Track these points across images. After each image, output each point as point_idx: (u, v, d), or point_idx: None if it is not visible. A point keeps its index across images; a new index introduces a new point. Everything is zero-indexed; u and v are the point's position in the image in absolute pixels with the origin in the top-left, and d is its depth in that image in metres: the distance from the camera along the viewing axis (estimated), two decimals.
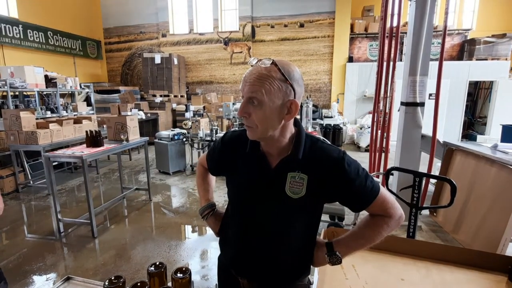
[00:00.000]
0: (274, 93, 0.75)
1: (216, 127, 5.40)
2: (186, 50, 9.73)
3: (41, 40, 7.55)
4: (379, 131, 3.37)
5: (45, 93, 5.75)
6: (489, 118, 7.90)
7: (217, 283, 1.02)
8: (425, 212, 3.46)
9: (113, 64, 10.48)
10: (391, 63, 3.08)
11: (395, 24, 3.08)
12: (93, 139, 3.31)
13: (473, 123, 8.59)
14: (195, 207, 4.02)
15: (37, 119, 4.57)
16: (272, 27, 9.23)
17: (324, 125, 7.75)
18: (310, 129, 5.39)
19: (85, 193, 3.11)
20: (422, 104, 2.97)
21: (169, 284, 0.81)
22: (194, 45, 9.69)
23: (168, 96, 8.75)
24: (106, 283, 0.73)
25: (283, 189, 0.83)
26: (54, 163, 5.10)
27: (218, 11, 9.41)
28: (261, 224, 0.88)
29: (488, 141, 3.27)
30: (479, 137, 7.71)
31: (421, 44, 2.77)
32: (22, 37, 6.97)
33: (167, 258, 2.78)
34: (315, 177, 0.83)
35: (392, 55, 3.06)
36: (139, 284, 0.72)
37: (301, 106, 5.44)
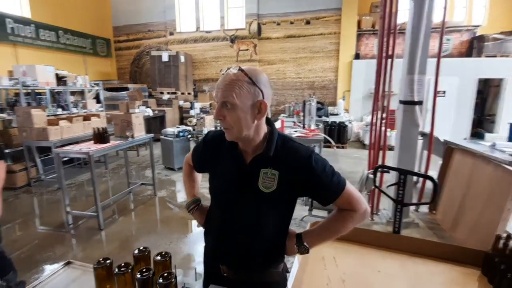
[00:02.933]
0: (244, 95, 0.84)
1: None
2: (193, 48, 9.86)
3: (52, 39, 7.79)
4: (378, 129, 3.40)
5: (56, 90, 5.96)
6: (498, 116, 7.74)
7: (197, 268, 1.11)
8: (424, 209, 3.48)
9: (122, 62, 10.70)
10: (390, 61, 3.09)
11: (397, 22, 3.09)
12: (100, 136, 3.45)
13: (482, 121, 8.42)
14: None
15: (48, 116, 4.76)
16: (278, 24, 9.24)
17: (329, 122, 7.74)
18: (313, 127, 5.42)
19: (91, 188, 3.26)
20: (420, 103, 2.98)
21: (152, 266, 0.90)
22: (201, 43, 9.80)
23: (175, 93, 8.89)
24: (95, 264, 0.83)
25: (256, 184, 0.91)
26: (64, 159, 5.31)
27: (224, 8, 9.48)
28: (237, 216, 0.97)
29: (496, 139, 3.30)
30: (487, 135, 7.58)
31: (420, 42, 2.78)
32: (34, 36, 7.22)
33: (167, 249, 2.88)
34: (286, 173, 0.91)
35: (389, 52, 3.07)
36: (123, 264, 0.81)
37: (304, 104, 5.47)
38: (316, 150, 4.86)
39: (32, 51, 7.24)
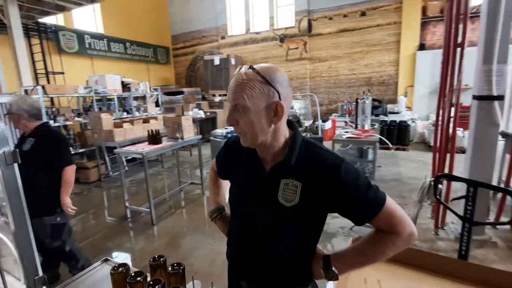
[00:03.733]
0: (256, 96, 0.75)
1: None
2: (243, 50, 10.05)
3: (121, 51, 8.78)
4: (444, 128, 2.93)
5: (122, 96, 6.67)
6: None
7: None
8: (505, 226, 2.89)
9: (179, 67, 11.50)
10: (459, 50, 2.62)
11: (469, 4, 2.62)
12: (153, 137, 3.71)
13: None
14: None
15: (114, 119, 5.34)
16: (330, 19, 8.82)
17: (388, 122, 7.08)
18: (367, 127, 4.99)
19: (150, 185, 3.53)
20: (500, 98, 2.46)
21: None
22: (250, 44, 9.93)
23: (226, 95, 9.16)
24: (112, 270, 0.84)
25: (276, 196, 0.81)
26: (127, 157, 5.90)
27: (273, 8, 9.43)
28: (254, 229, 0.88)
29: None
30: None
31: (498, 26, 2.29)
32: (106, 49, 8.23)
33: (211, 249, 2.96)
34: (309, 185, 0.79)
35: (459, 40, 2.61)
36: (133, 274, 0.80)
37: (356, 102, 5.07)
38: (370, 152, 4.47)
39: (104, 62, 8.26)
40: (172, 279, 0.83)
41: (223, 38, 10.35)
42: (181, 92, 9.09)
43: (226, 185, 1.19)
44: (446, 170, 2.90)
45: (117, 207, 4.25)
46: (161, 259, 0.88)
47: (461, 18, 2.58)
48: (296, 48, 9.26)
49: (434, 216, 3.05)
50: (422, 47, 7.90)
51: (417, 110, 8.12)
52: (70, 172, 2.00)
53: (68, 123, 5.21)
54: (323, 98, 9.33)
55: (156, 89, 7.57)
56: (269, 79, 0.75)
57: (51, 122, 4.90)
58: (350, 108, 6.64)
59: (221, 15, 10.16)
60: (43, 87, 4.72)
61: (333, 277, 0.81)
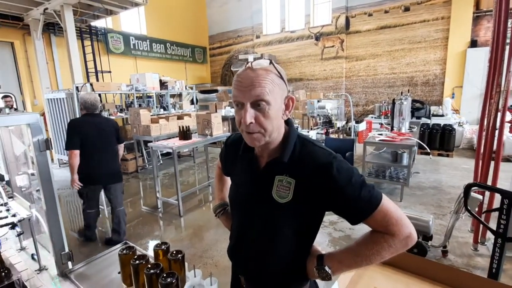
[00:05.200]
0: (276, 92, 0.76)
1: (296, 125, 5.39)
2: (277, 49, 10.04)
3: (162, 51, 9.31)
4: (490, 133, 2.64)
5: (161, 94, 7.07)
6: None
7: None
8: None
9: (215, 67, 11.85)
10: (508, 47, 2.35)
11: None
12: (183, 133, 3.89)
13: None
14: None
15: (152, 115, 5.68)
16: (370, 15, 8.42)
17: (430, 125, 6.58)
18: (403, 130, 4.69)
19: (180, 178, 3.70)
20: None
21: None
22: (285, 43, 9.89)
23: None
24: (120, 251, 0.91)
25: (270, 192, 0.82)
26: (163, 152, 6.24)
27: (310, 6, 9.27)
28: (250, 225, 0.89)
29: None
30: None
31: None
32: (148, 49, 8.78)
33: None
34: (303, 182, 0.78)
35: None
36: (136, 256, 0.86)
37: (393, 102, 4.78)
38: (405, 157, 4.18)
39: (147, 61, 8.83)
40: (172, 265, 0.88)
41: (258, 37, 10.45)
42: (216, 91, 9.35)
43: (230, 181, 1.22)
44: (490, 180, 2.63)
45: (151, 197, 4.53)
46: (163, 246, 0.93)
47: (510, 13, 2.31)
48: (332, 46, 9.00)
49: (474, 230, 2.78)
50: (474, 44, 7.21)
51: (466, 113, 7.44)
52: (69, 156, 2.38)
53: (111, 117, 5.66)
54: (360, 98, 8.97)
55: (191, 87, 7.90)
56: (282, 74, 0.77)
57: None
58: (387, 109, 6.28)
59: (257, 14, 10.26)
60: (91, 84, 5.20)
61: (326, 277, 0.80)
